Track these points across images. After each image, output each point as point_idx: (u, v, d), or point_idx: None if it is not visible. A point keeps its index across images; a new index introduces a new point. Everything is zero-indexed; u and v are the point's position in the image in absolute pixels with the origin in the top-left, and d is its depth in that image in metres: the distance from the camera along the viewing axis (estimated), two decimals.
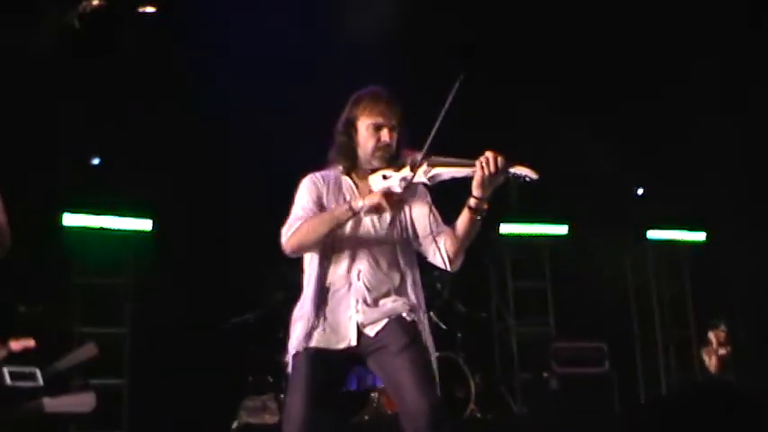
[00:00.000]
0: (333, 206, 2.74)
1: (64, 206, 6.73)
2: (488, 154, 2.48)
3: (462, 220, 2.65)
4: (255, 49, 5.82)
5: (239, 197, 6.33)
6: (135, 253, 7.03)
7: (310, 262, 2.79)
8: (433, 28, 5.84)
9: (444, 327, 5.87)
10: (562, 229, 8.25)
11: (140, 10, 5.16)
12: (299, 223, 2.74)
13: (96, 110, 6.08)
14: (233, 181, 6.46)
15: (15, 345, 4.94)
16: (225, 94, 5.81)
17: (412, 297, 2.76)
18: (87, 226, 6.85)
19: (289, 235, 2.73)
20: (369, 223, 2.76)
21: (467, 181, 2.56)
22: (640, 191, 8.28)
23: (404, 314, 2.72)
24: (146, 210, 6.94)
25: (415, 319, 2.74)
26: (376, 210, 2.62)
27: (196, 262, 6.52)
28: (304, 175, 2.86)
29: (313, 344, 2.70)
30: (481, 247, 7.43)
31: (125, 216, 6.94)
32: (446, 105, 2.43)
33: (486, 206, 2.57)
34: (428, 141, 2.51)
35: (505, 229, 8.16)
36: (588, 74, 6.60)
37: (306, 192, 2.81)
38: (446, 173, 2.59)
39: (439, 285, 6.01)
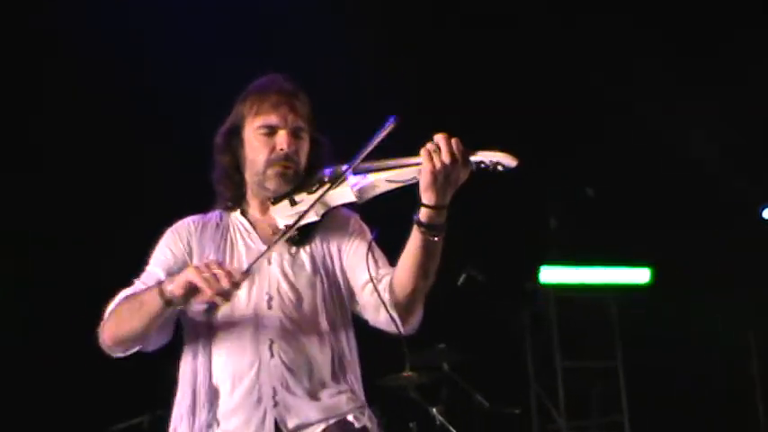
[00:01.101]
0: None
1: None
2: (437, 136, 2.37)
3: (411, 245, 2.47)
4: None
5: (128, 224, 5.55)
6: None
7: (188, 333, 2.68)
8: None
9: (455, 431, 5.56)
10: (641, 276, 7.80)
11: None
12: (120, 298, 2.66)
13: None
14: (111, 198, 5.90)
15: None
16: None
17: (358, 391, 2.66)
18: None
19: (104, 321, 2.63)
20: (278, 273, 2.65)
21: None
22: None
23: (350, 417, 2.60)
24: None
25: (368, 426, 2.64)
26: (188, 295, 2.43)
27: (59, 336, 5.76)
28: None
29: None
30: (512, 303, 7.42)
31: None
32: (373, 142, 2.42)
33: (443, 219, 2.43)
34: (362, 151, 2.47)
35: (549, 275, 7.62)
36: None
37: (159, 250, 2.74)
38: (382, 180, 2.51)
39: (446, 366, 5.68)
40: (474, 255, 5.54)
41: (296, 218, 2.57)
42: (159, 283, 2.52)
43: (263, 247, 2.62)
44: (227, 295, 2.42)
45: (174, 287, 2.46)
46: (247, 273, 2.48)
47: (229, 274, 2.40)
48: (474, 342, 5.81)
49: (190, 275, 2.43)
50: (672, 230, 7.12)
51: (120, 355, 2.62)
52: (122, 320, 2.58)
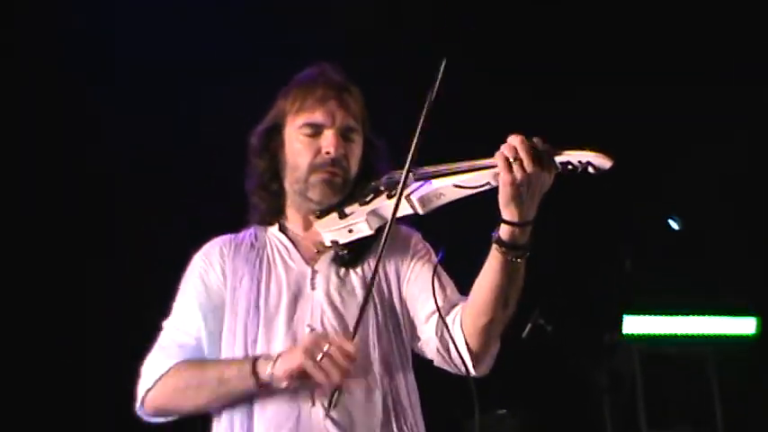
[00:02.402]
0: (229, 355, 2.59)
1: None
2: (514, 140, 2.26)
3: (489, 268, 2.39)
4: None
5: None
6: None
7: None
8: None
9: None
10: (745, 326, 7.37)
11: None
12: (168, 365, 2.57)
13: None
14: None
15: None
16: None
17: None
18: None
19: (149, 386, 2.57)
20: (323, 300, 2.58)
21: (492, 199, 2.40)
22: None
23: None
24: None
25: None
26: (296, 381, 2.42)
27: None
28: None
29: None
30: (587, 359, 6.88)
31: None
32: (427, 104, 2.41)
33: (528, 237, 2.36)
34: (412, 148, 2.44)
35: (633, 325, 7.20)
36: None
37: (189, 283, 2.68)
38: (449, 186, 2.45)
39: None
40: (542, 300, 5.30)
41: (346, 232, 2.53)
42: (252, 361, 2.46)
43: (306, 269, 2.58)
44: (344, 378, 2.38)
45: (279, 374, 2.41)
46: (356, 338, 2.44)
47: (344, 351, 2.34)
48: (541, 407, 5.82)
49: (301, 362, 2.37)
50: None
51: (155, 421, 2.62)
52: (183, 394, 2.54)
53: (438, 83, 2.37)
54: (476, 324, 2.50)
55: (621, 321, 7.09)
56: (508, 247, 2.36)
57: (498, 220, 2.36)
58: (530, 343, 5.34)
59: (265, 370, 2.44)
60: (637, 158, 6.21)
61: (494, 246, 2.38)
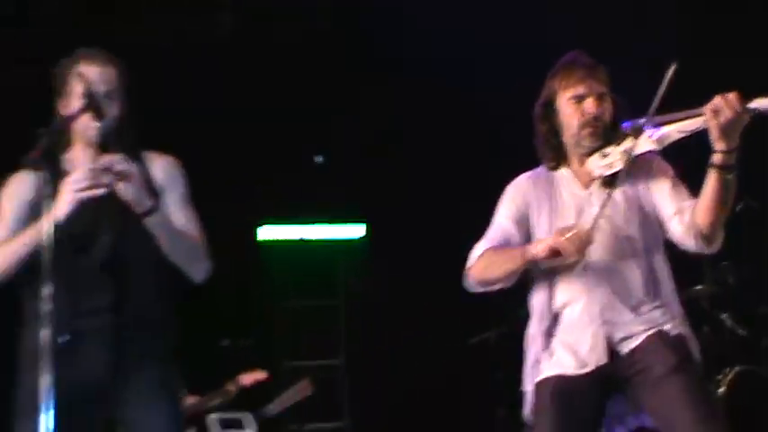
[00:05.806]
0: (536, 220, 3.26)
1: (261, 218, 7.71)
2: (717, 99, 2.90)
3: (709, 183, 3.01)
4: None
5: (467, 190, 6.51)
6: (345, 267, 8.03)
7: (536, 273, 3.28)
8: None
9: (743, 332, 6.05)
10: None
11: None
12: (484, 249, 3.29)
13: None
14: (456, 173, 7.05)
15: (247, 379, 5.91)
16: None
17: (671, 304, 3.21)
18: (286, 239, 7.92)
19: (472, 263, 3.30)
20: (598, 210, 3.14)
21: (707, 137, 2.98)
22: None
23: (666, 326, 3.16)
24: (358, 212, 7.91)
25: (682, 332, 3.18)
26: (551, 257, 3.07)
27: (418, 273, 7.26)
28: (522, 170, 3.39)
29: (548, 373, 3.17)
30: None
31: (334, 223, 7.99)
32: (658, 96, 3.04)
33: (734, 159, 2.96)
34: (654, 105, 3.05)
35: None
36: None
37: (505, 202, 3.36)
38: (674, 131, 3.07)
39: (731, 279, 6.12)
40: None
41: (607, 167, 3.12)
42: (522, 247, 3.17)
43: (584, 193, 3.22)
44: (584, 254, 3.03)
45: (539, 251, 3.09)
46: (593, 230, 3.03)
47: (583, 233, 2.99)
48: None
49: (552, 242, 3.04)
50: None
51: (481, 290, 3.29)
52: (488, 269, 3.23)
53: (667, 82, 2.95)
54: (705, 219, 3.06)
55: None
56: (722, 168, 2.96)
57: (712, 151, 2.94)
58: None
59: (531, 249, 3.11)
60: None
61: (710, 170, 2.98)
